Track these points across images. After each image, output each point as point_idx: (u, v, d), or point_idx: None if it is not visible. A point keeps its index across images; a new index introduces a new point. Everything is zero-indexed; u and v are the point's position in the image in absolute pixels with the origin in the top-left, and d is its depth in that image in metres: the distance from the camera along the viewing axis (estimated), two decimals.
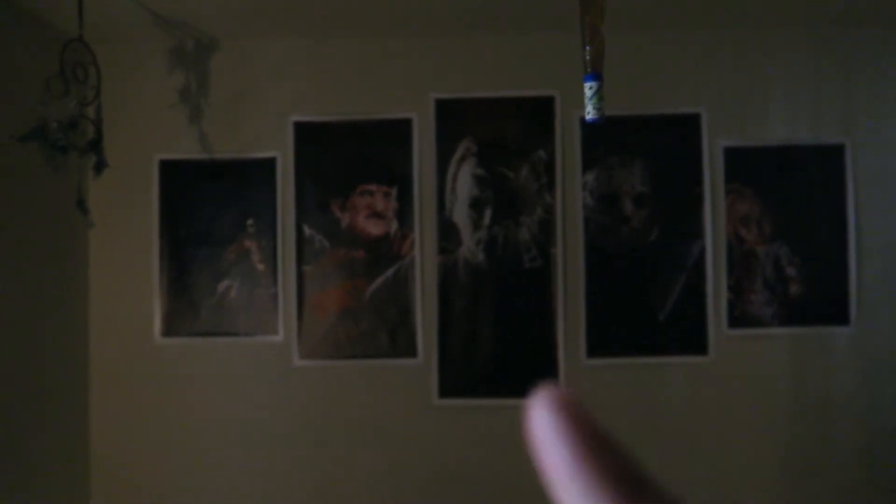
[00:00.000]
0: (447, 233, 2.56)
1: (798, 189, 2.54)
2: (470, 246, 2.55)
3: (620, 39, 2.44)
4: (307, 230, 2.57)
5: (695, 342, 2.52)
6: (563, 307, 2.53)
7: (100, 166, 2.05)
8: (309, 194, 2.58)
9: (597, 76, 0.94)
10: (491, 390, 2.52)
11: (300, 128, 2.58)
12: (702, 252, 2.53)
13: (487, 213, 2.55)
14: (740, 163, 2.54)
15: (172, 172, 2.60)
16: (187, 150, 2.59)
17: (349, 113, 2.58)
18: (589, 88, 0.94)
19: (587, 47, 0.93)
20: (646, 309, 2.53)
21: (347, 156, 2.58)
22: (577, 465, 0.19)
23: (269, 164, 2.58)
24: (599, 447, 0.20)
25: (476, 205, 2.56)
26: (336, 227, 2.57)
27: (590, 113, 0.96)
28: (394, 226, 2.57)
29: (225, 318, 2.57)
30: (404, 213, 2.56)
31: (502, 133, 2.56)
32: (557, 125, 2.55)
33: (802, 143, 2.54)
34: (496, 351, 2.53)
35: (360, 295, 2.55)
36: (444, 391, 2.53)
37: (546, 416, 0.20)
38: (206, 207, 2.59)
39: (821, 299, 2.51)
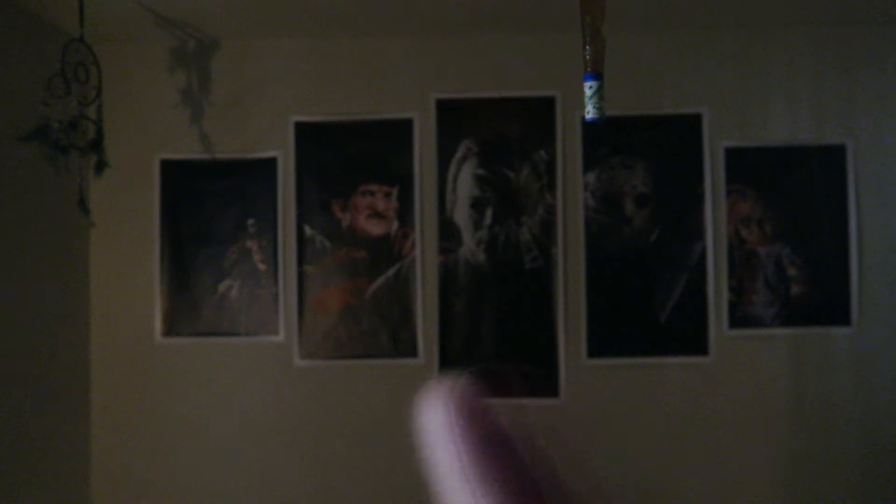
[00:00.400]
0: (448, 233, 2.56)
1: (799, 190, 2.53)
2: (471, 246, 2.55)
3: (622, 40, 2.44)
4: (308, 230, 2.57)
5: (696, 343, 2.52)
6: (563, 307, 2.53)
7: (101, 166, 2.05)
8: (310, 194, 2.58)
9: (597, 76, 0.94)
10: None
11: (301, 128, 2.58)
12: (703, 252, 2.53)
13: (488, 213, 2.55)
14: (741, 163, 2.54)
15: (173, 172, 2.60)
16: (188, 149, 2.59)
17: (350, 113, 2.58)
18: (589, 88, 0.94)
19: (587, 47, 0.93)
20: (647, 309, 2.53)
21: (348, 156, 2.58)
22: (470, 467, 0.17)
23: (270, 164, 2.58)
24: (497, 450, 0.17)
25: (477, 205, 2.56)
26: (337, 226, 2.57)
27: (590, 112, 0.95)
28: (395, 226, 2.57)
29: (226, 318, 2.57)
30: (405, 213, 2.56)
31: (503, 133, 2.56)
32: (558, 125, 2.55)
33: (804, 143, 2.54)
34: (497, 351, 2.53)
35: (360, 295, 2.55)
36: None
37: (442, 413, 0.18)
38: (207, 207, 2.59)
39: (822, 300, 2.51)
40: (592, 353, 2.52)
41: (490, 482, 0.17)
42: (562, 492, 0.17)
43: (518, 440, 0.18)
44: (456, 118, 2.56)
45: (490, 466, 0.17)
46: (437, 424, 0.18)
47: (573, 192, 2.55)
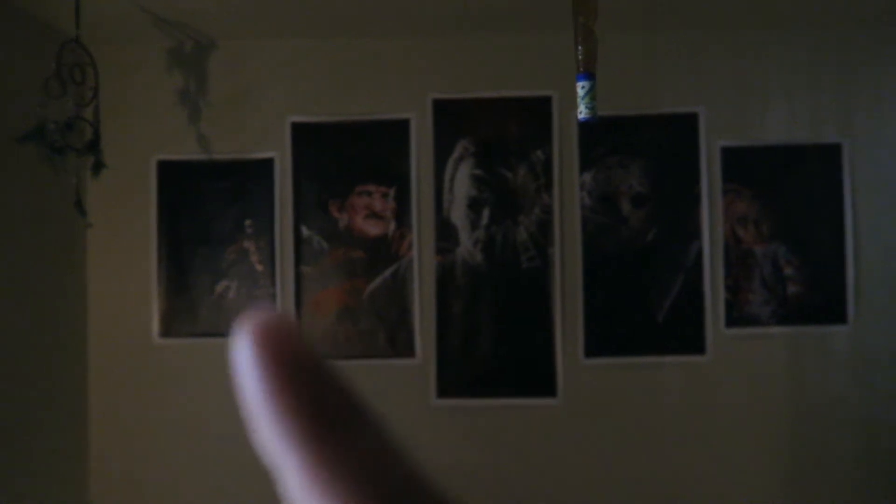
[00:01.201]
0: (445, 233, 2.56)
1: (796, 189, 2.54)
2: (468, 246, 2.55)
3: (618, 39, 2.44)
4: (305, 231, 2.57)
5: (693, 342, 2.52)
6: (561, 307, 2.53)
7: (98, 167, 2.05)
8: (307, 195, 2.58)
9: (589, 76, 0.94)
10: (489, 390, 2.53)
11: (298, 128, 2.58)
12: (699, 252, 2.53)
13: (485, 214, 2.55)
14: (738, 163, 2.54)
15: (171, 173, 2.60)
16: (185, 150, 2.59)
17: (347, 113, 2.58)
18: (581, 88, 0.94)
19: (580, 47, 0.93)
20: (644, 309, 2.53)
21: (345, 156, 2.58)
22: (271, 404, 0.16)
23: (268, 164, 2.58)
24: (302, 383, 0.16)
25: (474, 205, 2.56)
26: (334, 227, 2.57)
27: (582, 112, 0.96)
28: (392, 226, 2.57)
29: (223, 319, 2.57)
30: (402, 214, 2.56)
31: (500, 133, 2.56)
32: (555, 125, 2.55)
33: (800, 142, 2.54)
34: (494, 351, 2.53)
35: (358, 295, 2.55)
36: (443, 391, 2.53)
37: (247, 348, 0.17)
38: (204, 208, 2.59)
39: (818, 299, 2.51)
40: (590, 352, 2.53)
41: (293, 422, 0.16)
42: (373, 425, 0.16)
43: (328, 369, 0.16)
44: (453, 118, 2.57)
45: (295, 403, 0.16)
46: (242, 359, 0.17)
47: (570, 191, 2.55)
